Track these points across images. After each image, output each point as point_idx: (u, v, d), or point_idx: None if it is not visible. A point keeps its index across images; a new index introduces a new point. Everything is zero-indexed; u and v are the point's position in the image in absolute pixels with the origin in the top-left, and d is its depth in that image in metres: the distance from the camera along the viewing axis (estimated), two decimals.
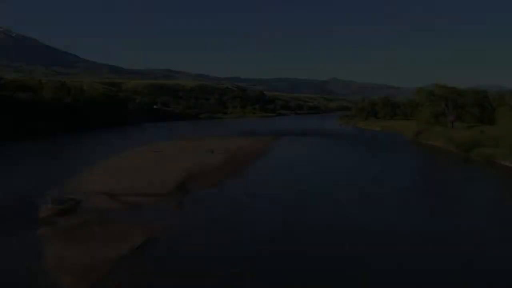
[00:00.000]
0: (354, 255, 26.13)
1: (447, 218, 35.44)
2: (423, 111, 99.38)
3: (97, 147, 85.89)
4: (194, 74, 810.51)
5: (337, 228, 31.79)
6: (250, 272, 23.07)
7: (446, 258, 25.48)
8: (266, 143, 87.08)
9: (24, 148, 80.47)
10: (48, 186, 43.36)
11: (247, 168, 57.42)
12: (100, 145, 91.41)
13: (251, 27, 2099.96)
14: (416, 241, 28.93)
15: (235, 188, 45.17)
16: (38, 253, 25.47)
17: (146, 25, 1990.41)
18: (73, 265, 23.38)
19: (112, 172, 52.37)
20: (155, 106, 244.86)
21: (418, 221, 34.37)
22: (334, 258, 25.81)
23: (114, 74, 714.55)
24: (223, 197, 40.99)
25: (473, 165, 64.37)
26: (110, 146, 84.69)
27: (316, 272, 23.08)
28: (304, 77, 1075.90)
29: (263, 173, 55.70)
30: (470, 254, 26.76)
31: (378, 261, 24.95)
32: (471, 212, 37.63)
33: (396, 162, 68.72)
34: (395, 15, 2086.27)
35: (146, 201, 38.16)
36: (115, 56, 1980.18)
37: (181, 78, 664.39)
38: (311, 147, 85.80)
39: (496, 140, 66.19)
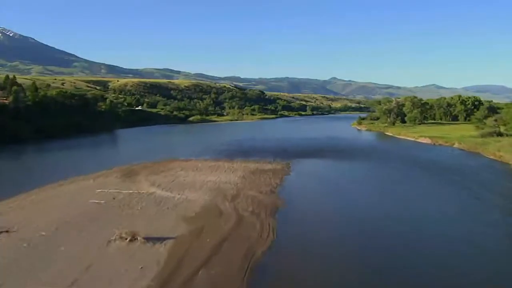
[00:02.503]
0: None
1: None
2: None
3: None
4: (194, 73, 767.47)
5: None
6: None
7: None
8: (269, 187, 42.40)
9: None
10: None
11: None
12: None
13: (250, 26, 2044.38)
14: None
15: None
16: None
17: (147, 24, 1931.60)
18: None
19: None
20: (138, 107, 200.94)
21: None
22: None
23: (112, 73, 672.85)
24: None
25: None
26: None
27: None
28: (304, 77, 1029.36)
29: None
30: None
31: None
32: None
33: None
34: (395, 15, 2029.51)
35: None
36: (115, 56, 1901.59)
37: (180, 77, 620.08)
38: (364, 198, 41.56)
39: None
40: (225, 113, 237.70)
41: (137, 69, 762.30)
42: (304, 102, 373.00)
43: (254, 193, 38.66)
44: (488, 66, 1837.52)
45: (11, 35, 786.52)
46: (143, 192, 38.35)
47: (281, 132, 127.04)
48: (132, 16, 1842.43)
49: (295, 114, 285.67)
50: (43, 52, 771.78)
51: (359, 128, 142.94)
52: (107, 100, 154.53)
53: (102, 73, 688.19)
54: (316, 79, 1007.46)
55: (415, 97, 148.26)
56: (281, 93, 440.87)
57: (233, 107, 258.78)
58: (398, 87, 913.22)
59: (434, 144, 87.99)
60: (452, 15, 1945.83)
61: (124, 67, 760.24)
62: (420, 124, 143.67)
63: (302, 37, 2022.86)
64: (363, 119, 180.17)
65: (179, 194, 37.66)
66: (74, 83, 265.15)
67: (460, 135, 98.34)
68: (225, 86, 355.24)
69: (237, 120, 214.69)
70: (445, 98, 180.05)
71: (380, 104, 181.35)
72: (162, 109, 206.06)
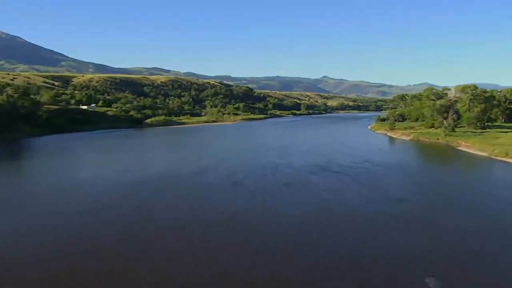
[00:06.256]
0: None
1: None
2: None
3: None
4: (184, 72, 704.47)
5: None
6: None
7: None
8: None
9: None
10: None
11: None
12: None
13: (241, 25, 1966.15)
14: None
15: None
16: None
17: (141, 24, 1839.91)
18: None
19: None
20: (85, 106, 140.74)
21: None
22: None
23: (100, 73, 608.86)
24: None
25: None
26: None
27: None
28: (295, 75, 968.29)
29: None
30: None
31: None
32: None
33: None
34: (391, 14, 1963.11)
35: None
36: (105, 56, 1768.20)
37: (169, 76, 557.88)
38: None
39: None
40: (202, 113, 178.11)
41: (126, 68, 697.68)
42: (297, 101, 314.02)
43: None
44: (480, 65, 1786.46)
45: None
46: None
47: (271, 147, 67.16)
48: (126, 16, 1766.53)
49: (288, 114, 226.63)
50: (31, 52, 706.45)
51: (392, 136, 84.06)
52: (4, 94, 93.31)
53: (89, 72, 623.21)
54: (307, 78, 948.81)
55: (476, 87, 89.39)
56: (272, 91, 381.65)
57: (216, 106, 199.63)
58: (391, 86, 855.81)
59: None
60: (445, 14, 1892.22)
61: (113, 67, 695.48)
62: (484, 128, 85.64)
63: (293, 36, 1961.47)
64: (383, 120, 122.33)
65: None
66: (29, 78, 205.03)
67: None
68: (208, 82, 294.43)
69: (215, 121, 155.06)
70: (498, 91, 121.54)
71: (405, 98, 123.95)
72: (117, 108, 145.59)
